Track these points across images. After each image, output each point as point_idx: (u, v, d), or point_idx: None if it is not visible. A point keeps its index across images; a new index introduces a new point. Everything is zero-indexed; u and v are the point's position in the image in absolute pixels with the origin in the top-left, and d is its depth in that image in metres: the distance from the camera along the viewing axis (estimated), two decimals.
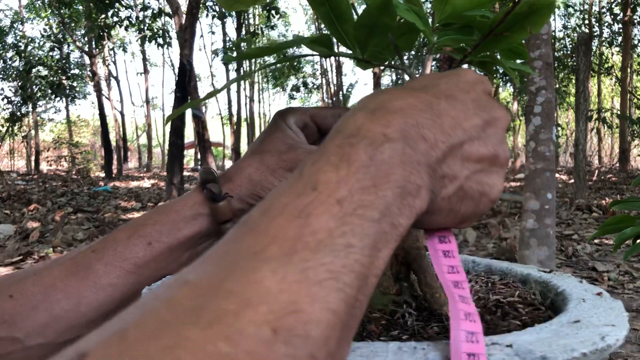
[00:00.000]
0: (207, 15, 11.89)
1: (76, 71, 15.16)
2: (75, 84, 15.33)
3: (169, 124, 7.16)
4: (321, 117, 0.47)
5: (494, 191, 0.30)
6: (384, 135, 0.25)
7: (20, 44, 13.67)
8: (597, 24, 15.75)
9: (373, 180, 0.23)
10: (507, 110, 0.32)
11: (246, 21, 16.33)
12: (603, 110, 11.00)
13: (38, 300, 0.39)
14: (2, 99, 12.65)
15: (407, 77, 0.45)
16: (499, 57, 0.45)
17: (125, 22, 8.91)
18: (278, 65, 18.86)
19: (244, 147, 18.27)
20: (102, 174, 13.88)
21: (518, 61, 0.47)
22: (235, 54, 14.05)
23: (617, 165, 12.67)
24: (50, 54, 13.64)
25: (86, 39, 13.16)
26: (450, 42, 0.43)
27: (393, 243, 0.24)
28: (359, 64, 0.44)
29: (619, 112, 12.65)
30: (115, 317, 0.19)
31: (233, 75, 20.35)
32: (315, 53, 0.43)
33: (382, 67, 0.46)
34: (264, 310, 0.18)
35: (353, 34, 0.40)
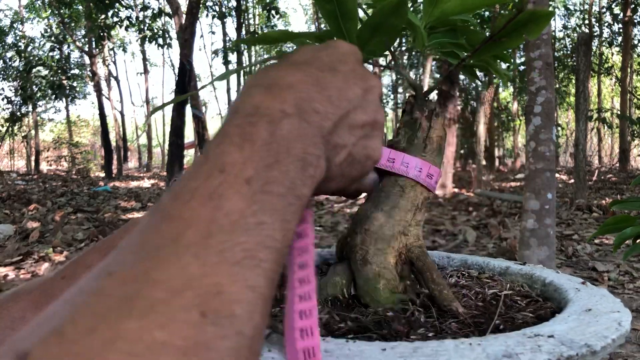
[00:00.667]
0: (207, 15, 11.89)
1: (76, 71, 15.15)
2: (75, 84, 15.32)
3: (170, 123, 7.16)
4: None
5: (376, 153, 0.33)
6: (281, 112, 0.26)
7: (20, 44, 13.67)
8: (597, 24, 15.75)
9: (276, 157, 0.24)
10: (378, 79, 0.34)
11: (246, 21, 16.33)
12: (603, 110, 11.00)
13: (6, 334, 0.36)
14: (2, 99, 12.65)
15: (411, 78, 0.45)
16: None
17: (125, 22, 8.91)
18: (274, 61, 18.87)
19: None
20: (102, 174, 13.87)
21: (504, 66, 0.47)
22: (231, 55, 14.02)
23: (617, 165, 12.68)
24: (51, 54, 13.63)
25: (86, 39, 13.16)
26: (439, 46, 0.44)
27: (298, 214, 0.25)
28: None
29: (619, 112, 12.66)
30: (44, 313, 0.19)
31: (233, 75, 20.31)
32: None
33: (381, 67, 0.49)
34: (191, 295, 0.19)
35: (357, 32, 0.40)
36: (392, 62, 0.44)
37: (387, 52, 0.45)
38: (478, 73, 0.47)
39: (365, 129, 0.31)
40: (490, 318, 0.38)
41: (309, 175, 0.26)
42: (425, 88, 0.46)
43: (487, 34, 0.41)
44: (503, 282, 0.48)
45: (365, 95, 0.31)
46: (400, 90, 20.73)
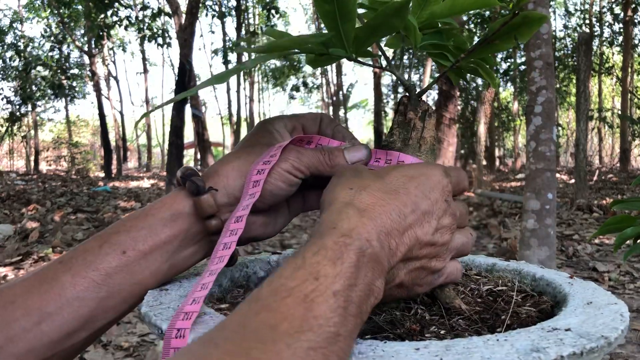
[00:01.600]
0: (206, 15, 11.89)
1: (75, 71, 15.15)
2: (74, 83, 15.32)
3: (170, 123, 7.16)
4: (305, 120, 0.48)
5: (425, 284, 0.37)
6: (368, 242, 0.30)
7: (19, 43, 13.67)
8: (597, 24, 15.75)
9: (356, 280, 0.28)
10: (459, 209, 0.37)
11: (246, 21, 16.32)
12: (604, 110, 11.01)
13: None
14: (2, 99, 12.65)
15: (407, 78, 0.45)
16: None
17: (125, 22, 8.91)
18: (274, 60, 18.75)
19: None
20: (102, 174, 13.88)
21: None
22: (235, 50, 14.02)
23: (618, 165, 12.68)
24: (50, 54, 13.63)
25: (85, 38, 13.16)
26: (430, 47, 0.45)
27: (355, 336, 0.28)
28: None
29: (619, 112, 12.66)
30: None
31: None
32: (307, 52, 0.43)
33: (379, 68, 0.50)
34: None
35: (355, 33, 0.40)
36: (386, 63, 0.44)
37: (379, 53, 0.45)
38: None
39: (422, 260, 0.35)
40: (496, 314, 0.38)
41: (370, 303, 0.29)
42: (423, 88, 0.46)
43: (477, 37, 0.41)
44: (493, 278, 0.48)
45: (435, 233, 0.35)
46: (400, 90, 20.74)
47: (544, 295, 0.44)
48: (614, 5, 13.84)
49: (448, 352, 0.27)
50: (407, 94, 0.44)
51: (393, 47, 0.47)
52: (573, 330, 0.30)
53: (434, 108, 0.45)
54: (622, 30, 13.24)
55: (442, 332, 0.35)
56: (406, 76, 0.45)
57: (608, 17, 15.01)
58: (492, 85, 0.48)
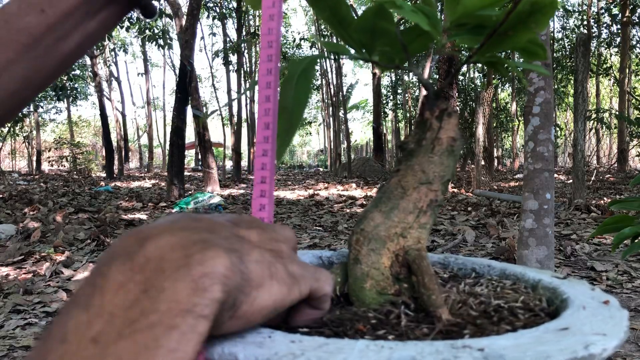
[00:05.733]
0: (207, 17, 11.92)
1: (77, 72, 15.16)
2: (76, 84, 15.34)
3: (171, 124, 7.17)
4: None
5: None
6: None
7: None
8: (595, 25, 15.78)
9: None
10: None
11: (246, 22, 16.34)
12: (601, 111, 11.02)
13: None
14: None
15: (406, 78, 0.46)
16: (510, 57, 0.45)
17: (126, 23, 8.94)
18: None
19: (244, 148, 18.25)
20: (103, 174, 13.89)
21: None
22: (234, 55, 14.02)
23: (616, 165, 12.71)
24: None
25: None
26: (467, 42, 0.41)
27: None
28: (378, 65, 0.44)
29: (617, 113, 12.69)
30: None
31: (233, 76, 20.33)
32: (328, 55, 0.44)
33: (389, 67, 0.47)
34: None
35: (356, 37, 0.40)
36: (408, 63, 0.43)
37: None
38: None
39: None
40: (475, 325, 0.36)
41: None
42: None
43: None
44: (525, 294, 0.45)
45: None
46: (399, 90, 20.75)
47: (557, 314, 0.39)
48: (611, 7, 13.88)
49: (320, 348, 0.26)
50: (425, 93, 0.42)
51: (417, 51, 0.44)
52: (485, 351, 0.27)
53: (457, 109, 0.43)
54: (619, 31, 13.28)
55: (391, 336, 0.33)
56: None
57: (606, 18, 15.05)
58: (520, 82, 0.45)
